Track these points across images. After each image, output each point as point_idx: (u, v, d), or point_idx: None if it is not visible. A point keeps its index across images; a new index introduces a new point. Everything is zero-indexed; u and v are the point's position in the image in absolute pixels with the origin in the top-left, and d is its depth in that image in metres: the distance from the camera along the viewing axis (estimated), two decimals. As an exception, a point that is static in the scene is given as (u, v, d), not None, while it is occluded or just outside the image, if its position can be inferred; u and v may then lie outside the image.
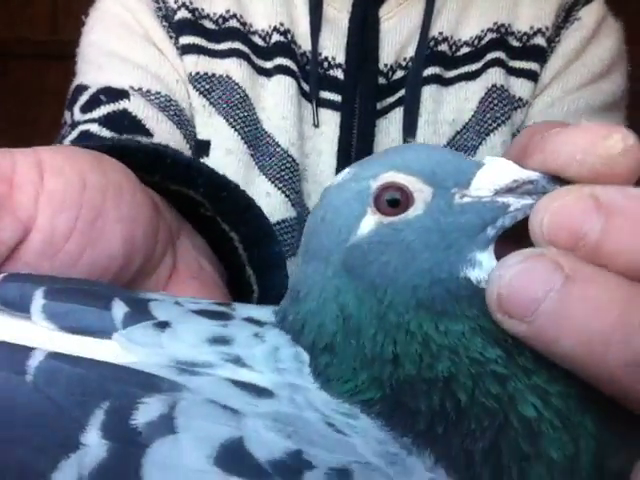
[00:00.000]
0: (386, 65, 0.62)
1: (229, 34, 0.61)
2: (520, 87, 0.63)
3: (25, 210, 0.22)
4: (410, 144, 0.55)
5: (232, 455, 0.18)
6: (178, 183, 0.30)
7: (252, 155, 0.59)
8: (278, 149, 0.59)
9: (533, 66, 0.63)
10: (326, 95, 0.61)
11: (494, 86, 0.61)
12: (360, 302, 0.21)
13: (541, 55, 0.64)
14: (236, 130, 0.58)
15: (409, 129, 0.58)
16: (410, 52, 0.62)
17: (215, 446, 0.18)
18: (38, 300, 0.22)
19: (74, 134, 0.52)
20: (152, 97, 0.56)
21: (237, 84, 0.59)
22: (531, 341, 0.18)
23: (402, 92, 0.61)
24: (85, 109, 0.53)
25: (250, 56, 0.61)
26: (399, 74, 0.62)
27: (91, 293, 0.22)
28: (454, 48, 0.63)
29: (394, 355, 0.20)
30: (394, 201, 0.21)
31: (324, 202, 0.24)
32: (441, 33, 0.62)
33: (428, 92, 0.60)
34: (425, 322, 0.20)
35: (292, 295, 0.23)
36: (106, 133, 0.50)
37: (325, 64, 0.62)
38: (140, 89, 0.56)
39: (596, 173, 0.19)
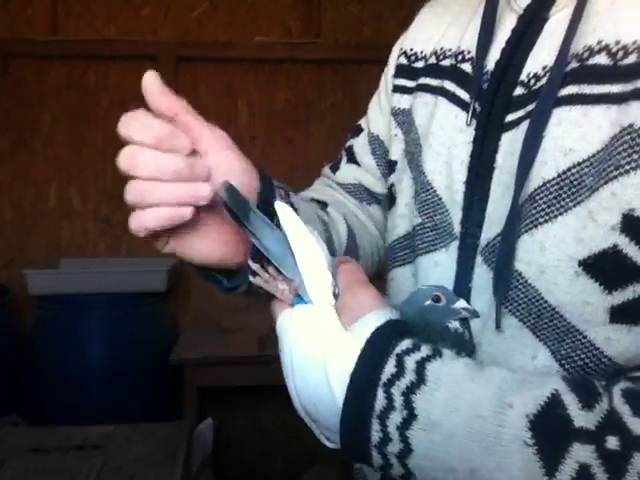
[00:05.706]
0: (529, 74, 0.54)
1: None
2: None
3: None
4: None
5: None
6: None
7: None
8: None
9: None
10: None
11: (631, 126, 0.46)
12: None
13: None
14: None
15: (528, 150, 0.50)
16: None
17: None
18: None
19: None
20: None
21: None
22: None
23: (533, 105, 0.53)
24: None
25: None
26: (543, 82, 0.53)
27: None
28: (619, 55, 0.49)
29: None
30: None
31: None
32: (600, 41, 0.50)
33: (562, 112, 0.50)
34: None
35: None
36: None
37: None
38: None
39: None
